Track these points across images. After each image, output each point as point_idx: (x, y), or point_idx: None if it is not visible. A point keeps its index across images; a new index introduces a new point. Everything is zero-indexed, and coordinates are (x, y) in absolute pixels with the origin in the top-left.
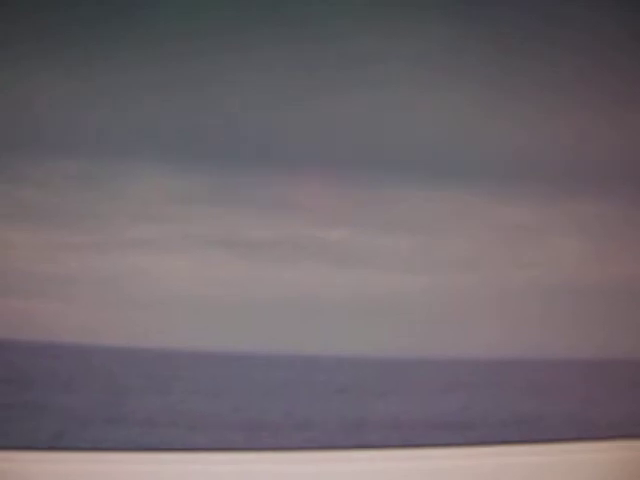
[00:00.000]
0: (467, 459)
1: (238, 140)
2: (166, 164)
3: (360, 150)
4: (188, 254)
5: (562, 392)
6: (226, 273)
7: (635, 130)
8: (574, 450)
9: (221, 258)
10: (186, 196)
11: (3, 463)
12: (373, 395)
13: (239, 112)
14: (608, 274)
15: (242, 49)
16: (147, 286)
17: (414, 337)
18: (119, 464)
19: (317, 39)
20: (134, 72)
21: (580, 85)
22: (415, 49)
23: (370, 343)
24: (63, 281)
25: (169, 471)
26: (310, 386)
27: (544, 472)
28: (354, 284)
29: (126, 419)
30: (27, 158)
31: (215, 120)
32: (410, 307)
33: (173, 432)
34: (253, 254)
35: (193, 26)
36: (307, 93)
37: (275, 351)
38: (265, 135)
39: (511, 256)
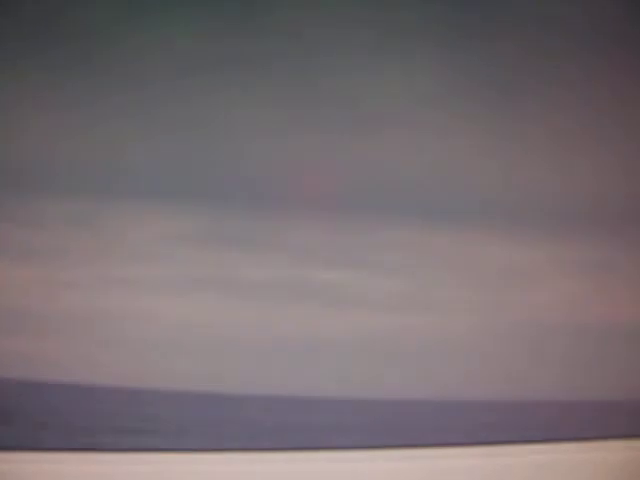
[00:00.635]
0: (469, 459)
1: (235, 182)
2: (162, 205)
3: (357, 193)
4: (182, 295)
5: (554, 431)
6: (220, 314)
7: (629, 174)
8: (575, 450)
9: (215, 299)
10: (181, 237)
11: (2, 464)
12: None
13: (236, 155)
14: (599, 315)
15: (240, 91)
16: (139, 326)
17: (408, 377)
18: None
19: (315, 81)
20: (128, 114)
21: (573, 129)
22: (414, 92)
23: (364, 383)
24: (52, 318)
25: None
26: (304, 427)
27: (545, 471)
28: (348, 325)
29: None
30: (17, 198)
31: (211, 162)
32: (403, 347)
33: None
34: (248, 295)
35: (190, 69)
36: (306, 137)
37: (267, 391)
38: (263, 178)
39: (504, 298)
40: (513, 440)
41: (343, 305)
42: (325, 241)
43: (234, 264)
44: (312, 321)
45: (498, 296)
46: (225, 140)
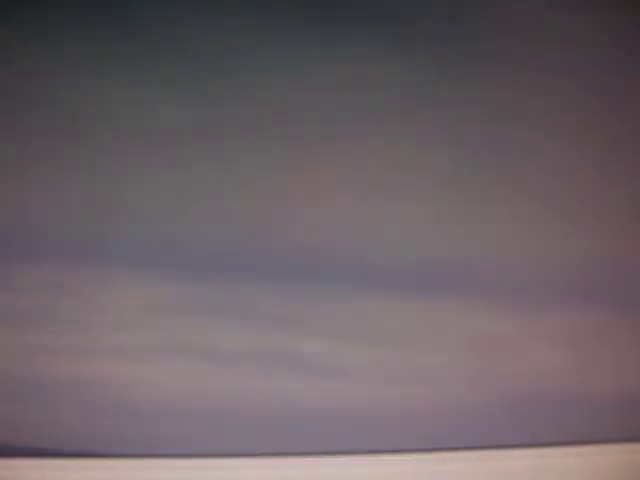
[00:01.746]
0: (468, 462)
1: (219, 251)
2: (146, 272)
3: (342, 264)
4: (165, 362)
5: None
6: (203, 381)
7: (617, 238)
8: (574, 454)
9: (198, 366)
10: (165, 304)
11: (5, 471)
12: None
13: (223, 224)
14: (585, 384)
15: (228, 157)
16: (121, 392)
17: (393, 445)
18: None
19: (305, 142)
20: (116, 179)
21: (557, 193)
22: (406, 157)
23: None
24: (38, 385)
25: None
26: None
27: (545, 475)
28: (331, 395)
29: None
30: (5, 263)
31: (195, 230)
32: (386, 419)
33: None
34: (231, 363)
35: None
36: (292, 204)
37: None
38: (249, 247)
39: (487, 367)
40: (514, 444)
41: (325, 374)
42: (307, 310)
43: (217, 332)
44: (295, 390)
45: (479, 365)
46: (209, 208)
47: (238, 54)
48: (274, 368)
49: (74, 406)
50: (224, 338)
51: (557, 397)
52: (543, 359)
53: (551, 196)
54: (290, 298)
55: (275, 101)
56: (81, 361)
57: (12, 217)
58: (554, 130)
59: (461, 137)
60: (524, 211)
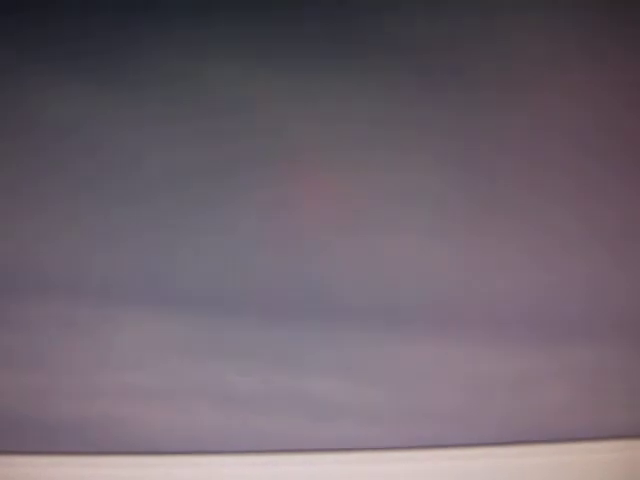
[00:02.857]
0: (468, 460)
1: (224, 292)
2: (151, 311)
3: (347, 301)
4: (170, 403)
5: None
6: (208, 422)
7: (626, 274)
8: (573, 450)
9: (204, 407)
10: (171, 344)
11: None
12: None
13: (223, 260)
14: (595, 423)
15: (229, 201)
16: (126, 433)
17: None
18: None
19: (305, 175)
20: (123, 212)
21: (570, 227)
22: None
23: None
24: (44, 427)
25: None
26: None
27: (545, 472)
28: (336, 436)
29: None
30: (8, 300)
31: (201, 270)
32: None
33: None
34: (235, 404)
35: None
36: (292, 240)
37: None
38: (253, 288)
39: (497, 406)
40: (512, 441)
41: (333, 415)
42: (307, 348)
43: (222, 373)
44: (302, 431)
45: (485, 404)
46: (215, 250)
47: (238, 89)
48: (274, 407)
49: (77, 446)
50: (229, 379)
51: (567, 436)
52: (553, 396)
53: (557, 227)
54: (291, 336)
55: (275, 135)
56: (84, 401)
57: (14, 254)
58: (558, 160)
59: (462, 167)
60: (529, 244)
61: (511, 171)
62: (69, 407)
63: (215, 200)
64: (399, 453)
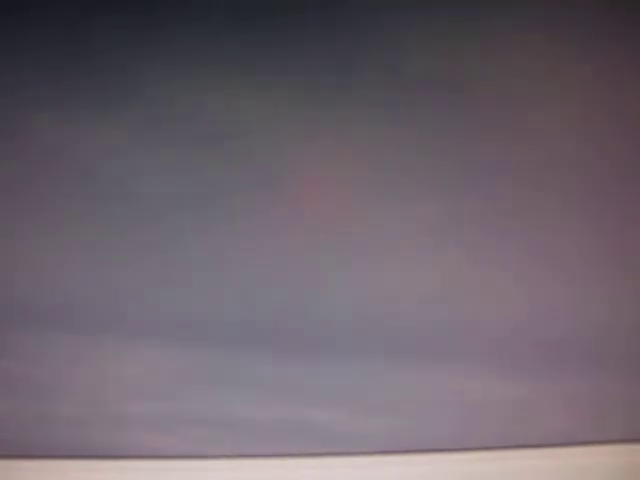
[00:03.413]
0: (468, 464)
1: (234, 322)
2: (161, 341)
3: (343, 329)
4: (180, 432)
5: None
6: (217, 451)
7: (630, 304)
8: (573, 454)
9: (212, 436)
10: (179, 374)
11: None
12: None
13: (233, 295)
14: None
15: (227, 221)
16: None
17: None
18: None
19: (301, 205)
20: (123, 242)
21: (571, 255)
22: (412, 223)
23: None
24: (45, 455)
25: None
26: None
27: (545, 476)
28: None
29: None
30: (8, 330)
31: (209, 301)
32: None
33: None
34: (244, 434)
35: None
36: (291, 270)
37: None
38: (263, 320)
39: (500, 434)
40: (514, 445)
41: (340, 444)
42: (308, 378)
43: (231, 402)
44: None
45: (497, 431)
46: (224, 281)
47: (238, 119)
48: (276, 437)
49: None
50: (237, 409)
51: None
52: (554, 424)
53: (558, 256)
54: (291, 365)
55: (270, 164)
56: (94, 430)
57: (25, 286)
58: (561, 191)
59: (461, 197)
60: (531, 273)
61: (509, 195)
62: (70, 435)
63: (214, 229)
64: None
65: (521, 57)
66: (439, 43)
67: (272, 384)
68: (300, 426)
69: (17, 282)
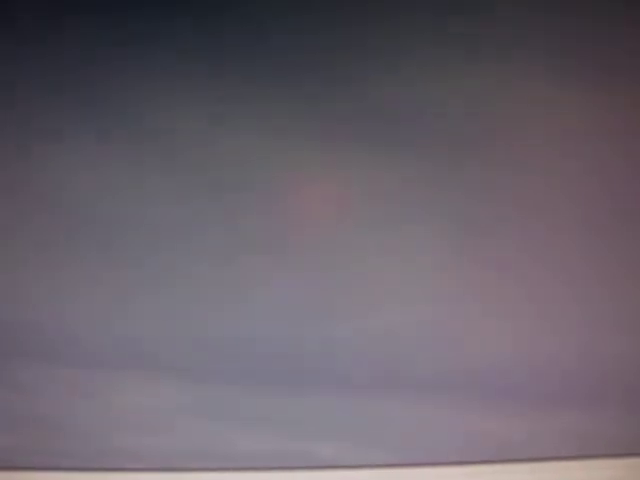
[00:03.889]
0: (468, 477)
1: (236, 357)
2: (162, 376)
3: (341, 363)
4: (181, 466)
5: None
6: None
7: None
8: (573, 467)
9: (213, 471)
10: (181, 408)
11: None
12: None
13: (232, 330)
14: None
15: (228, 252)
16: None
17: None
18: None
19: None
20: (123, 276)
21: (568, 293)
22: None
23: None
24: None
25: None
26: None
27: None
28: None
29: None
30: (10, 362)
31: (212, 336)
32: None
33: None
34: (246, 468)
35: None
36: (289, 307)
37: None
38: (264, 354)
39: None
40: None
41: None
42: (307, 412)
43: (233, 437)
44: None
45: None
46: (229, 317)
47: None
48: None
49: None
50: (239, 443)
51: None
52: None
53: (557, 295)
54: (290, 400)
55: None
56: (96, 464)
57: (28, 318)
58: (561, 222)
59: (461, 229)
60: (536, 310)
61: (516, 232)
62: (78, 467)
63: (212, 257)
64: None
65: (521, 83)
66: (447, 82)
67: (272, 419)
68: (301, 459)
69: (15, 315)
